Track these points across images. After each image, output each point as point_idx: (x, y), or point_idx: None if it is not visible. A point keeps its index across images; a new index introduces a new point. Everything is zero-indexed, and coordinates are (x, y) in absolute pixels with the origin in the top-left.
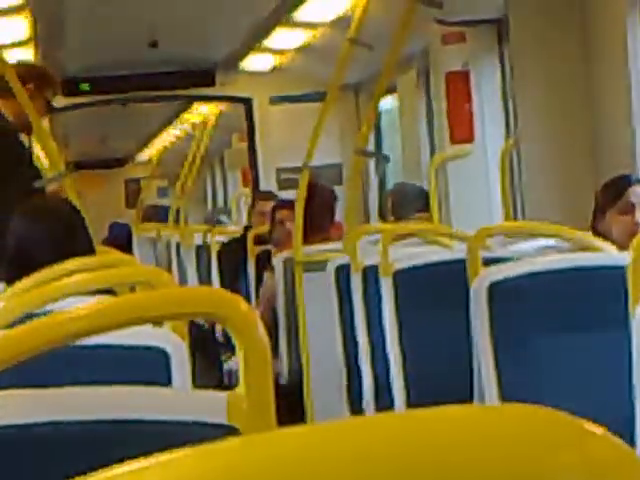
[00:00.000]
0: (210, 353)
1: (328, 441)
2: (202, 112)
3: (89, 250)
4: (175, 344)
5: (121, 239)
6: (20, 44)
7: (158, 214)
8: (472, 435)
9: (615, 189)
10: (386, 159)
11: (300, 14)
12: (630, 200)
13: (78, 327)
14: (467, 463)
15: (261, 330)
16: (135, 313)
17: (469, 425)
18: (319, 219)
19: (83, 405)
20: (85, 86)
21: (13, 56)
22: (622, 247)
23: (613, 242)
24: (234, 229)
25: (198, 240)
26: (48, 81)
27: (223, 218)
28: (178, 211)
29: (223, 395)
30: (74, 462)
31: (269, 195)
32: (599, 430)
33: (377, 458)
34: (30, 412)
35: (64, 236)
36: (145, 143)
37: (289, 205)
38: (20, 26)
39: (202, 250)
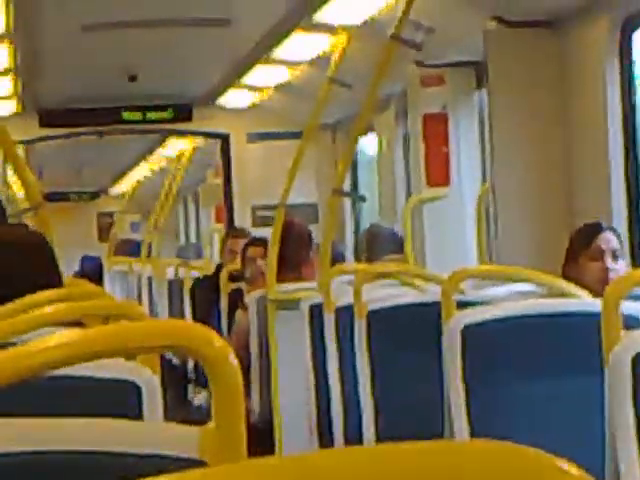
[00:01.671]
0: (180, 388)
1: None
2: (177, 147)
3: (57, 283)
4: (146, 377)
5: (92, 272)
6: (0, 74)
7: (130, 248)
8: (441, 469)
9: (586, 235)
10: (362, 199)
11: (279, 52)
12: (600, 246)
13: (50, 358)
14: None
15: (234, 365)
16: (108, 345)
17: (439, 459)
18: (293, 257)
19: (53, 436)
20: (62, 118)
21: None
22: (593, 293)
23: (585, 287)
24: (207, 264)
25: (170, 274)
26: None
27: (192, 256)
28: (150, 245)
29: (195, 429)
30: None
31: (240, 233)
32: (572, 467)
33: None
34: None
35: (32, 268)
36: (119, 177)
37: (260, 243)
38: (0, 56)
39: (174, 285)
